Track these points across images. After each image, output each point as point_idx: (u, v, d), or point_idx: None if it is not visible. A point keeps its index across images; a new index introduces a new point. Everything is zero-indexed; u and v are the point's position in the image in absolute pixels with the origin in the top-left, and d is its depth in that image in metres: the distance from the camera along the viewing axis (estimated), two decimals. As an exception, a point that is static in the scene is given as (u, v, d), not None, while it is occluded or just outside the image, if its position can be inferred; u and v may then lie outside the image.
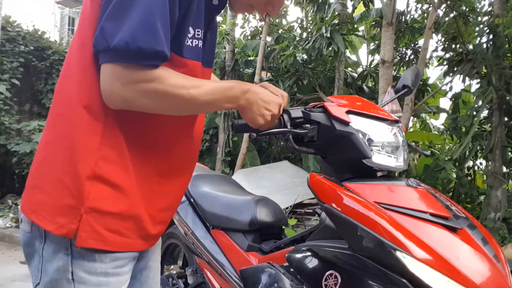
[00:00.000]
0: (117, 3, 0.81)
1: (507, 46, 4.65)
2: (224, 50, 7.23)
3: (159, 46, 0.82)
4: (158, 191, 0.99)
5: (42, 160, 0.95)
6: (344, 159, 1.20)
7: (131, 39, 0.79)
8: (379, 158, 1.16)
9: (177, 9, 0.86)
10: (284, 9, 7.24)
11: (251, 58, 7.61)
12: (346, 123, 1.15)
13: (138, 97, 0.85)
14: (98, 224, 0.88)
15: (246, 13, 1.18)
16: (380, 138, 1.18)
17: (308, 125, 1.16)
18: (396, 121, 1.24)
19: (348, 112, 1.17)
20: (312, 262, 1.21)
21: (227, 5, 1.08)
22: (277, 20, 7.16)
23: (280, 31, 6.96)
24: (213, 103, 0.93)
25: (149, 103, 0.87)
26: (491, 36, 4.58)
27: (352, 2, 5.99)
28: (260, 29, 7.26)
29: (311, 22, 7.17)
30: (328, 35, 5.39)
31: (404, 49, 6.35)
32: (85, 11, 0.91)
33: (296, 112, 1.17)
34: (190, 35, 0.92)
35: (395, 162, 1.19)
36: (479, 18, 5.18)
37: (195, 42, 0.94)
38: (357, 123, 1.16)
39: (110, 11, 0.81)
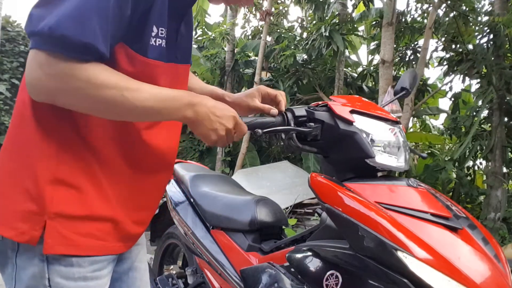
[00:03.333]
0: None
1: (507, 46, 4.65)
2: (224, 50, 7.23)
3: (88, 38, 0.74)
4: (131, 189, 0.94)
5: (1, 162, 0.89)
6: (346, 158, 1.20)
7: (56, 25, 0.72)
8: (381, 158, 1.16)
9: (129, 6, 0.80)
10: (285, 9, 7.24)
11: (251, 58, 7.61)
12: (350, 123, 1.15)
13: (62, 92, 0.77)
14: (66, 229, 0.83)
15: (222, 4, 1.14)
16: (382, 138, 1.18)
17: (312, 124, 1.16)
18: (397, 122, 1.24)
19: (352, 112, 1.17)
20: (313, 262, 1.20)
21: None
22: (277, 20, 7.16)
23: (280, 31, 6.96)
24: (154, 111, 0.83)
25: (74, 101, 0.79)
26: (491, 36, 4.58)
27: (352, 1, 5.99)
28: (261, 28, 7.26)
29: (310, 21, 7.17)
30: (327, 34, 5.40)
31: (404, 49, 6.35)
32: None
33: (300, 111, 1.17)
34: (153, 34, 0.87)
35: (396, 162, 1.19)
36: (479, 18, 5.18)
37: (159, 41, 0.89)
38: (360, 122, 1.16)
39: None
